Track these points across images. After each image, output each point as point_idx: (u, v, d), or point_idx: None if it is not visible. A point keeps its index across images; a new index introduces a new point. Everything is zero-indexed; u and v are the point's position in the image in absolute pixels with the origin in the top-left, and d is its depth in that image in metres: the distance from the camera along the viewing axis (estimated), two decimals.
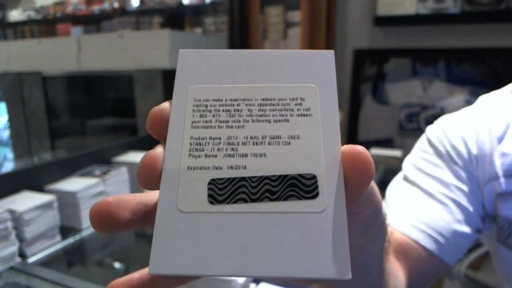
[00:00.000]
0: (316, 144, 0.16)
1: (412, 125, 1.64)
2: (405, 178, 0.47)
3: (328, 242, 0.14)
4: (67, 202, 0.89)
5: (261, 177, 0.15)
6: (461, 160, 0.44)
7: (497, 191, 0.41)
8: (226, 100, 0.17)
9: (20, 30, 3.09)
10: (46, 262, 0.79)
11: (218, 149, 0.16)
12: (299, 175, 0.15)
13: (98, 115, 2.14)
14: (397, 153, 1.40)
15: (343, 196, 0.15)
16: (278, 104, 0.17)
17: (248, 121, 0.17)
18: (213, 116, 0.17)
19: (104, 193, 0.95)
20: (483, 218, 0.44)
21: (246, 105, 0.17)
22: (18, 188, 0.88)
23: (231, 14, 1.83)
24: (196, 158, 0.16)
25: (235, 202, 0.15)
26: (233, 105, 0.17)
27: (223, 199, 0.15)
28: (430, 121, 0.53)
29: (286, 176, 0.15)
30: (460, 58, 1.54)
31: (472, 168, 0.43)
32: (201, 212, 0.15)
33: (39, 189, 0.90)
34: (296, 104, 0.17)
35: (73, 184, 0.92)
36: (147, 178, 0.16)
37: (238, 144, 0.16)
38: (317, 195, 0.15)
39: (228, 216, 0.15)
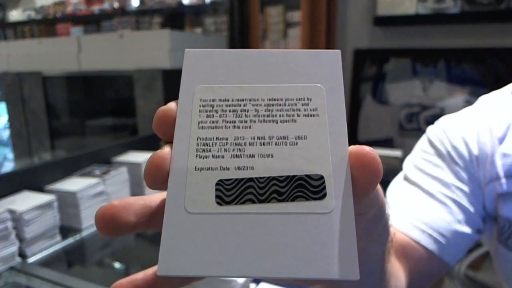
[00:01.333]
0: (323, 144, 0.16)
1: (412, 125, 1.64)
2: (406, 178, 0.47)
3: (336, 243, 0.14)
4: (67, 202, 0.89)
5: (268, 177, 0.15)
6: (462, 160, 0.43)
7: (498, 191, 0.41)
8: (232, 100, 0.17)
9: (20, 30, 3.09)
10: (46, 262, 0.79)
11: (225, 150, 0.16)
12: (307, 175, 0.15)
13: (98, 115, 2.14)
14: (397, 153, 1.39)
15: (350, 196, 0.15)
16: (285, 104, 0.17)
17: (255, 122, 0.16)
18: (220, 116, 0.17)
19: (104, 193, 0.95)
20: (484, 218, 0.44)
21: (253, 105, 0.17)
22: (18, 188, 0.88)
23: (231, 14, 1.83)
24: (203, 158, 0.16)
25: (243, 203, 0.15)
26: (240, 105, 0.17)
27: (230, 200, 0.15)
28: (430, 121, 0.53)
29: (293, 176, 0.15)
30: (460, 58, 1.54)
31: (473, 168, 0.43)
32: (209, 213, 0.15)
33: (39, 189, 0.90)
34: (303, 104, 0.17)
35: (73, 184, 0.92)
36: (154, 178, 0.16)
37: (245, 144, 0.16)
38: (324, 195, 0.15)
39: (236, 217, 0.15)
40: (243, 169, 0.15)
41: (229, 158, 0.16)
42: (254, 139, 0.16)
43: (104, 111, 2.13)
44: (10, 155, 2.48)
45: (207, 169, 0.15)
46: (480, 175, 0.43)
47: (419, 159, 0.47)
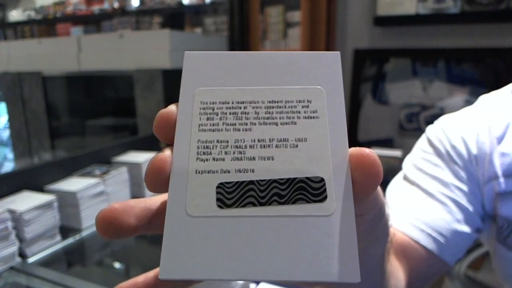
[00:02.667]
0: (324, 146, 0.16)
1: (412, 125, 1.64)
2: (405, 178, 0.47)
3: (336, 246, 0.14)
4: (67, 202, 0.89)
5: (269, 180, 0.15)
6: (461, 160, 0.44)
7: (496, 190, 0.41)
8: (233, 103, 0.17)
9: (20, 30, 3.09)
10: (46, 262, 0.79)
11: (226, 152, 0.16)
12: (307, 178, 0.15)
13: (98, 115, 2.14)
14: (397, 153, 1.40)
15: (351, 199, 0.15)
16: (285, 107, 0.17)
17: (255, 124, 0.16)
18: (220, 119, 0.17)
19: (104, 193, 0.95)
20: (483, 218, 0.44)
21: (253, 107, 0.17)
22: (18, 188, 0.88)
23: (231, 14, 1.83)
24: (204, 161, 0.16)
25: (243, 206, 0.15)
26: (240, 108, 0.17)
27: (231, 203, 0.15)
28: (430, 121, 0.53)
29: (294, 179, 0.15)
30: (460, 58, 1.54)
31: (472, 168, 0.43)
32: (210, 216, 0.15)
33: (39, 189, 0.90)
34: (303, 107, 0.17)
35: (73, 184, 0.92)
36: (155, 181, 0.16)
37: (245, 147, 0.16)
38: (325, 198, 0.15)
39: (237, 220, 0.15)
40: (244, 172, 0.15)
41: (229, 161, 0.16)
42: (254, 141, 0.16)
43: (104, 111, 2.13)
44: (10, 155, 2.48)
45: (208, 172, 0.15)
46: (479, 174, 0.43)
47: (419, 158, 0.47)
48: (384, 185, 0.48)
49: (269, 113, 0.17)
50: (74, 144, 2.14)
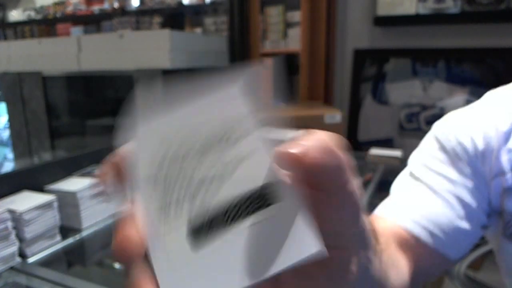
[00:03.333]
0: (262, 157, 0.17)
1: (412, 125, 1.64)
2: (411, 174, 0.47)
3: (294, 232, 0.16)
4: (67, 202, 0.89)
5: (225, 208, 0.17)
6: (467, 156, 0.44)
7: (503, 186, 0.41)
8: (172, 159, 0.18)
9: (20, 30, 3.09)
10: (46, 262, 0.79)
11: (182, 207, 0.17)
12: (256, 189, 0.17)
13: (98, 115, 2.14)
14: (397, 153, 1.40)
15: (294, 194, 0.16)
16: (218, 146, 0.18)
17: (194, 174, 0.18)
18: (164, 186, 0.18)
19: (104, 193, 0.95)
20: (489, 214, 0.44)
21: (191, 158, 0.18)
22: (18, 188, 0.88)
23: (231, 14, 1.83)
24: (167, 223, 0.17)
25: (212, 237, 0.17)
26: (179, 160, 0.18)
27: (202, 243, 0.17)
28: (430, 121, 0.53)
29: (246, 195, 0.17)
30: (460, 58, 1.54)
31: (478, 164, 0.43)
32: (190, 260, 0.17)
33: (39, 189, 0.90)
34: (231, 134, 0.18)
35: (73, 184, 0.92)
36: (125, 259, 0.17)
37: (195, 195, 0.17)
38: (275, 200, 0.16)
39: (209, 251, 0.16)
40: (203, 212, 0.17)
41: (188, 211, 0.17)
42: (201, 183, 0.17)
43: (104, 111, 2.13)
44: (10, 155, 2.48)
45: (175, 228, 0.17)
46: (486, 170, 0.43)
47: (424, 154, 0.47)
48: (384, 185, 0.48)
49: (204, 157, 0.18)
50: (74, 144, 2.14)
